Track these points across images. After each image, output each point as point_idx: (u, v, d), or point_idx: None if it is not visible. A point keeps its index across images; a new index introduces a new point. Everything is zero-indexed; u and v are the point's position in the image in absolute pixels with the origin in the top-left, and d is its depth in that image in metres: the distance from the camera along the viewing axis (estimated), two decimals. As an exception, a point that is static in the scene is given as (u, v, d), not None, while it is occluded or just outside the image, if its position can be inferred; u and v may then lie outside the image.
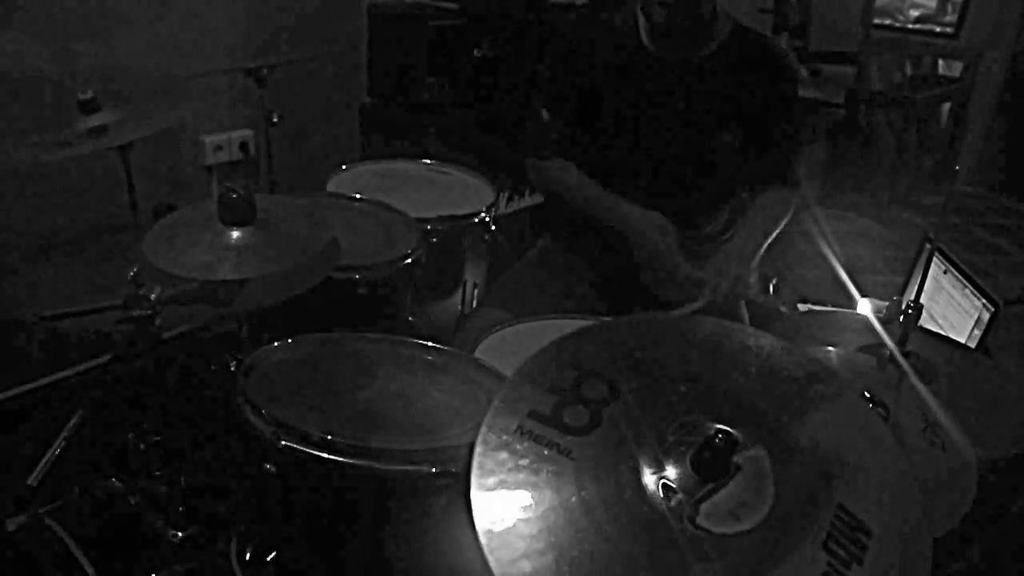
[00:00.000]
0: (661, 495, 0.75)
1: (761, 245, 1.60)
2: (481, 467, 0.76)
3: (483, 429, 0.79)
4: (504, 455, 0.77)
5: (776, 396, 0.84)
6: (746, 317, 1.68)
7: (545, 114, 1.70)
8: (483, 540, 0.70)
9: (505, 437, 0.78)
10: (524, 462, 0.76)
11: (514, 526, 0.72)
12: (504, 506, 0.73)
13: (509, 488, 0.74)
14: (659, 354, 0.87)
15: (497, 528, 0.71)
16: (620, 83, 1.62)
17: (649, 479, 0.76)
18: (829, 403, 0.85)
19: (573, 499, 0.74)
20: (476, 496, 0.74)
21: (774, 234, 1.64)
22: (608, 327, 0.94)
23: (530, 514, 0.72)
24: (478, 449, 0.77)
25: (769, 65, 1.64)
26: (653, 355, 0.87)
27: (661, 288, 1.56)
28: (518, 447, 0.77)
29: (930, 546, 0.75)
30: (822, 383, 0.86)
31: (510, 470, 0.75)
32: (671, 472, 0.76)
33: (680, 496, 0.75)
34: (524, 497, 0.74)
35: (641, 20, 1.60)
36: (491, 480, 0.75)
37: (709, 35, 1.60)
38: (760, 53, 1.64)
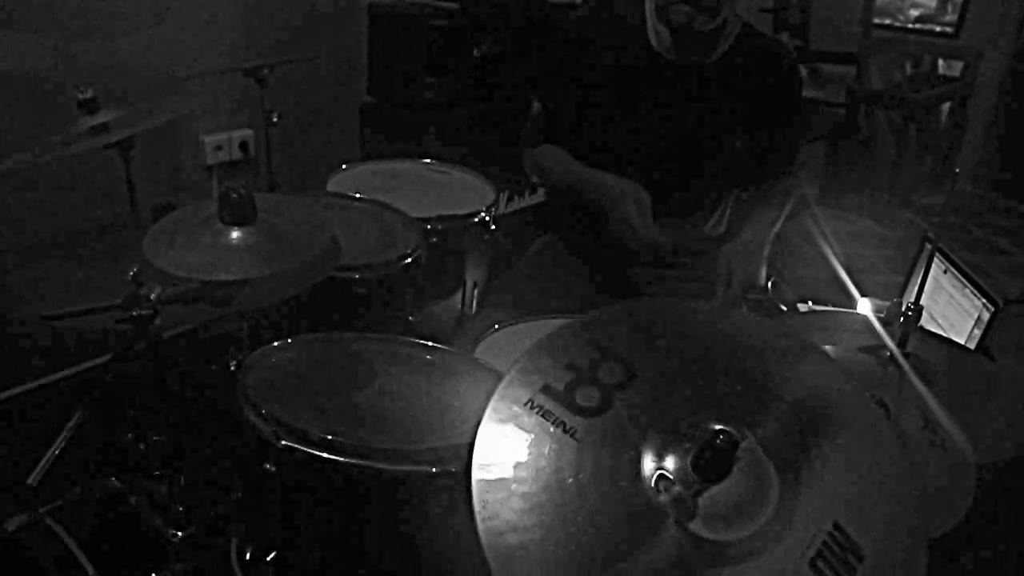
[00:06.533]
0: (658, 489, 0.75)
1: (769, 238, 1.61)
2: (486, 437, 0.76)
3: (495, 398, 0.79)
4: (511, 428, 0.77)
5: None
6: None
7: (537, 106, 1.71)
8: (476, 508, 0.71)
9: (515, 408, 0.78)
10: (529, 437, 0.76)
11: (508, 498, 0.72)
12: (501, 477, 0.73)
13: (509, 460, 0.74)
14: (682, 344, 0.86)
15: (490, 499, 0.72)
16: (626, 84, 1.62)
17: (648, 472, 0.76)
18: (846, 425, 0.84)
19: (570, 480, 0.73)
20: (476, 460, 0.74)
21: (779, 225, 1.66)
22: (636, 309, 0.93)
23: (525, 488, 0.73)
24: (486, 417, 0.77)
25: (776, 66, 1.64)
26: (676, 344, 0.85)
27: (640, 250, 1.57)
28: (525, 420, 0.77)
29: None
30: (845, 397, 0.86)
31: (514, 444, 0.76)
32: (670, 468, 0.76)
33: (676, 485, 0.74)
34: (522, 470, 0.74)
35: (653, 23, 1.59)
36: (493, 451, 0.75)
37: (720, 39, 1.60)
38: (767, 54, 1.64)
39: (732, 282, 1.49)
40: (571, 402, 0.79)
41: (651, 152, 1.64)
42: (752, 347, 0.87)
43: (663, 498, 0.73)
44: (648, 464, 0.76)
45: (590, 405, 0.79)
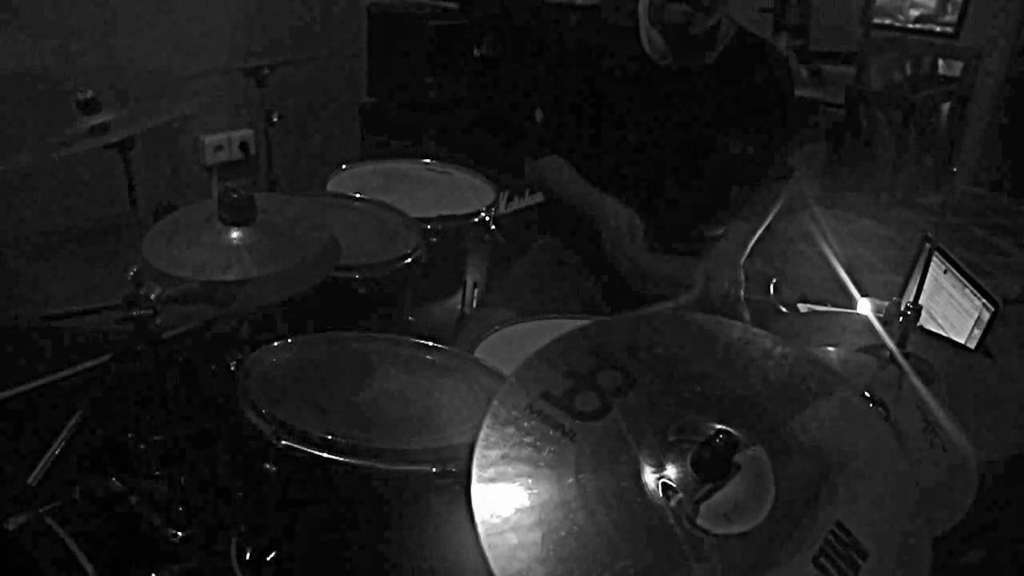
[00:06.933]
0: (659, 491, 0.75)
1: (748, 243, 1.62)
2: (487, 439, 0.77)
3: (494, 403, 0.80)
4: (511, 430, 0.77)
5: (790, 403, 0.84)
6: (747, 316, 1.68)
7: (539, 114, 1.72)
8: (476, 507, 0.71)
9: (515, 413, 0.79)
10: (529, 439, 0.77)
11: (508, 499, 0.73)
12: (502, 478, 0.74)
13: (510, 462, 0.75)
14: (681, 353, 0.87)
15: (491, 500, 0.72)
16: (623, 89, 1.62)
17: (648, 474, 0.76)
18: (839, 412, 0.85)
19: (570, 481, 0.74)
20: (477, 465, 0.75)
21: (763, 226, 1.66)
22: (635, 320, 0.95)
23: (525, 488, 0.73)
24: (487, 421, 0.78)
25: (768, 70, 1.64)
26: (675, 353, 0.87)
27: (631, 280, 1.57)
28: (525, 424, 0.78)
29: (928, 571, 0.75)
30: (841, 395, 0.86)
31: (514, 445, 0.76)
32: (670, 469, 0.77)
33: (679, 493, 0.75)
34: (523, 471, 0.74)
35: (646, 29, 1.59)
36: (494, 452, 0.76)
37: (715, 42, 1.60)
38: (760, 58, 1.64)
39: (710, 290, 1.49)
40: (570, 407, 0.80)
41: (649, 158, 1.64)
42: (749, 356, 0.88)
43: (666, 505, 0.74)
44: (647, 465, 0.76)
45: (589, 409, 0.80)
